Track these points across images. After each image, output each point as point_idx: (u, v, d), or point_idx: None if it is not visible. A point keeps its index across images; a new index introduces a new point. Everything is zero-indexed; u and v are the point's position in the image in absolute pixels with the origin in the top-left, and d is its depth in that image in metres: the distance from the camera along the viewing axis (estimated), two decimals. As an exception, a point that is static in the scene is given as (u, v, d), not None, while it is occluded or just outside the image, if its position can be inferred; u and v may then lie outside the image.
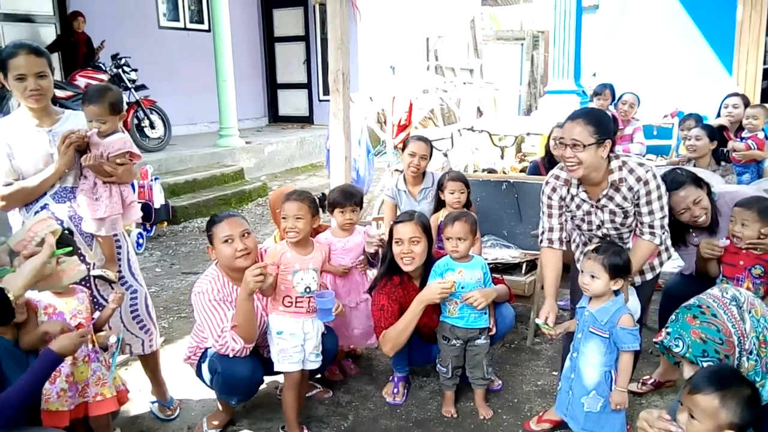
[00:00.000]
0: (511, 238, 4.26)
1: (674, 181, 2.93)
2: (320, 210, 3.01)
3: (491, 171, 6.42)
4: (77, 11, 8.33)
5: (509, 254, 4.01)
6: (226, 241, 2.65)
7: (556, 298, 2.81)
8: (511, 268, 3.90)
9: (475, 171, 6.93)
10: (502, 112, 9.69)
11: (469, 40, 15.05)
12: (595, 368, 2.50)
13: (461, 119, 8.69)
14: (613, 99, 5.98)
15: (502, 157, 6.96)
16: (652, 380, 3.17)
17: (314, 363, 2.78)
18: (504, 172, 6.65)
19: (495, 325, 3.05)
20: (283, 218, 2.71)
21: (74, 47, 8.29)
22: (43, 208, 2.60)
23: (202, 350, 2.78)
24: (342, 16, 4.03)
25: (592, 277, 2.47)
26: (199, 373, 2.83)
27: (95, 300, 2.70)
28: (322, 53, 11.32)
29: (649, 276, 2.90)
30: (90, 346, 2.47)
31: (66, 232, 2.57)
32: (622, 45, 8.93)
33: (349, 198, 3.17)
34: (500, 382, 3.28)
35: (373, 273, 3.28)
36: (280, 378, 2.86)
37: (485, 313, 2.96)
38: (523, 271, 3.84)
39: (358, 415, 3.05)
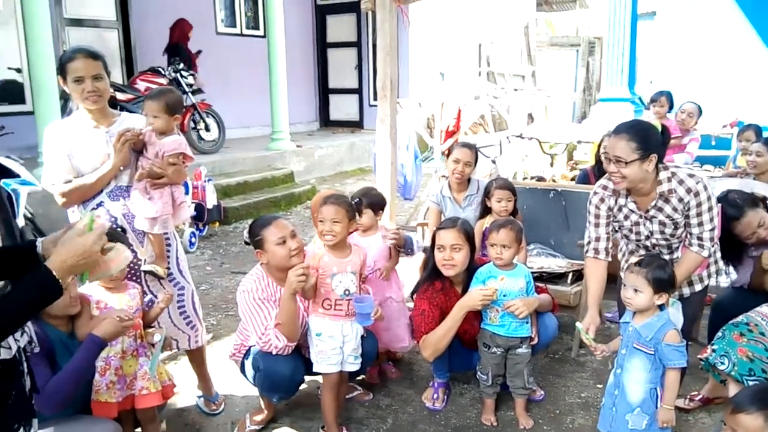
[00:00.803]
0: (558, 248, 4.20)
1: (733, 207, 2.87)
2: (356, 215, 3.06)
3: (540, 179, 6.33)
4: (183, 18, 8.75)
5: (555, 264, 3.96)
6: (281, 242, 2.71)
7: (599, 310, 2.76)
8: (556, 277, 3.85)
9: (524, 178, 6.86)
10: (554, 119, 9.55)
11: (522, 46, 14.91)
12: (640, 385, 2.43)
13: (511, 126, 8.61)
14: (671, 107, 5.81)
15: (551, 165, 6.86)
16: (701, 396, 3.07)
17: (353, 365, 2.81)
18: (553, 180, 6.55)
19: (537, 335, 3.02)
20: (321, 221, 2.75)
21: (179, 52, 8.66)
22: (99, 205, 2.72)
23: (247, 348, 2.84)
24: (391, 22, 4.07)
25: (636, 291, 2.41)
26: (242, 370, 2.90)
27: (145, 295, 2.81)
28: (373, 59, 11.41)
29: (698, 287, 2.82)
30: (138, 341, 2.57)
31: (119, 230, 2.70)
32: (681, 52, 8.67)
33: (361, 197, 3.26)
34: (542, 392, 3.24)
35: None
36: (321, 378, 2.90)
37: (527, 322, 2.94)
38: (569, 281, 3.78)
39: (398, 419, 3.06)
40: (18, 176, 4.49)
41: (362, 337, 2.84)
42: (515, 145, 6.84)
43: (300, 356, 2.82)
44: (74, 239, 1.33)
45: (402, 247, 3.31)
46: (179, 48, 8.63)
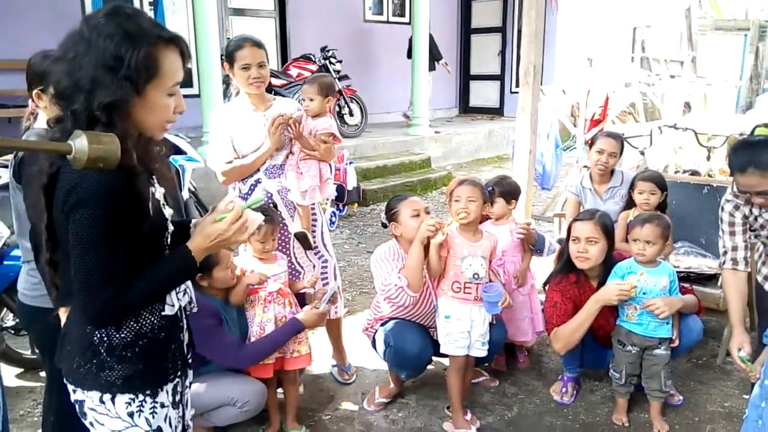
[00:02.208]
0: (708, 247, 3.91)
1: None
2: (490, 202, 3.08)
3: (694, 173, 5.88)
4: None
5: (705, 264, 3.70)
6: (416, 215, 2.79)
7: (744, 326, 2.56)
8: (705, 279, 3.60)
9: (676, 172, 6.41)
10: (714, 109, 8.77)
11: (683, 30, 13.83)
12: (791, 397, 2.24)
13: (664, 115, 8.05)
14: None
15: (708, 158, 6.33)
16: None
17: (480, 351, 2.83)
18: (709, 175, 6.07)
19: (679, 337, 2.86)
20: (456, 201, 2.79)
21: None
22: (257, 181, 2.98)
23: (379, 323, 2.98)
24: (537, 8, 3.99)
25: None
26: (374, 345, 3.03)
27: (292, 266, 3.04)
28: (517, 45, 11.18)
29: None
30: (288, 308, 2.79)
31: (272, 205, 2.93)
32: None
33: (494, 185, 3.24)
34: (681, 397, 3.08)
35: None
36: (447, 360, 2.96)
37: (668, 323, 2.80)
38: (718, 284, 3.52)
39: (523, 408, 3.06)
40: (185, 153, 4.99)
41: (491, 324, 2.86)
42: (668, 136, 6.40)
43: (429, 336, 2.90)
44: (207, 227, 1.50)
45: (533, 246, 3.27)
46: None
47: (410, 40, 8.98)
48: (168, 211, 1.57)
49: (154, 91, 1.39)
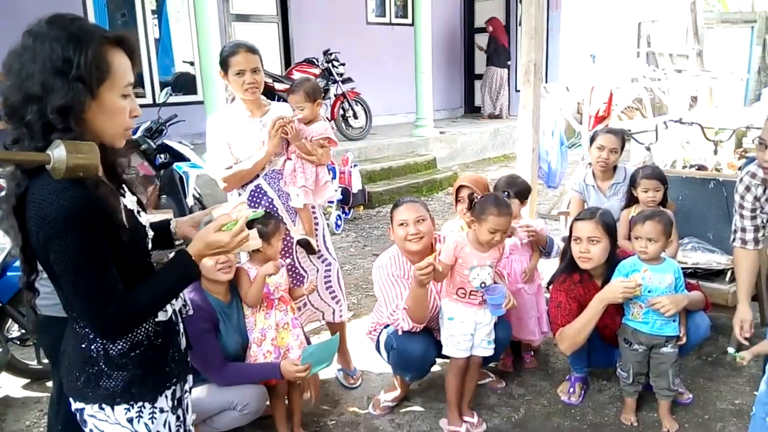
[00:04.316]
0: (716, 243, 3.86)
1: None
2: None
3: (701, 167, 5.82)
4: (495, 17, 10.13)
5: (713, 260, 3.65)
6: (402, 224, 2.78)
7: (750, 303, 2.56)
8: (714, 274, 3.56)
9: (683, 167, 6.35)
10: (721, 102, 8.68)
11: (688, 24, 13.72)
12: (798, 395, 2.21)
13: (671, 110, 7.98)
14: None
15: (715, 152, 6.27)
16: None
17: (486, 350, 2.81)
18: (717, 170, 6.01)
19: (686, 335, 2.83)
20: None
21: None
22: (257, 187, 2.97)
23: (382, 326, 2.96)
24: (538, 5, 3.98)
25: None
26: (377, 348, 3.02)
27: (296, 270, 3.03)
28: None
29: None
30: (290, 314, 2.78)
31: (275, 210, 2.93)
32: None
33: (507, 186, 3.22)
34: (690, 395, 3.04)
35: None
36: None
37: (674, 321, 2.76)
38: (727, 279, 3.47)
39: (530, 409, 3.03)
40: (188, 160, 5.00)
41: (495, 323, 2.83)
42: (674, 130, 6.35)
43: (432, 337, 2.88)
44: (210, 235, 1.50)
45: (543, 248, 3.25)
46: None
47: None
48: (144, 218, 1.57)
49: (108, 92, 1.37)
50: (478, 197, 2.71)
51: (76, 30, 1.33)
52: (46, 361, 2.97)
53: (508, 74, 11.12)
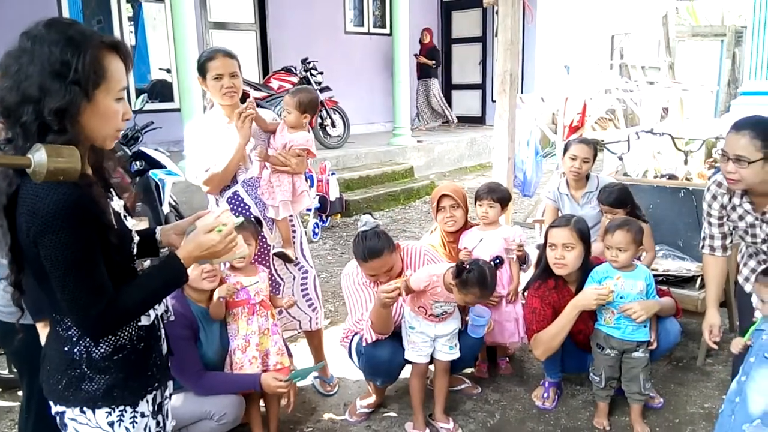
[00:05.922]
0: (686, 250, 3.95)
1: None
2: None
3: (672, 177, 5.95)
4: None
5: (683, 267, 3.74)
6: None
7: (718, 308, 2.64)
8: (684, 281, 3.64)
9: (655, 176, 6.48)
10: (692, 113, 8.89)
11: (660, 37, 14.04)
12: (764, 396, 2.26)
13: (642, 121, 8.15)
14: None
15: (686, 162, 6.41)
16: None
17: (448, 354, 2.85)
18: (687, 179, 6.14)
19: (657, 340, 2.89)
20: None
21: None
22: (234, 194, 2.96)
23: (354, 333, 2.97)
24: (513, 17, 4.04)
25: (764, 302, 2.25)
26: (350, 355, 3.03)
27: (272, 279, 3.03)
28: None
29: None
30: (271, 320, 2.78)
31: (252, 218, 2.92)
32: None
33: (489, 192, 3.27)
34: (661, 399, 3.10)
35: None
36: (432, 367, 2.96)
37: (645, 326, 2.82)
38: (697, 286, 3.56)
39: (505, 415, 3.06)
40: (164, 167, 4.97)
41: (460, 331, 2.87)
42: (646, 141, 6.48)
43: (399, 342, 2.90)
44: (201, 236, 1.51)
45: (523, 263, 3.32)
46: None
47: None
48: (130, 222, 1.57)
49: (104, 95, 1.38)
50: (468, 265, 2.59)
51: (74, 34, 1.34)
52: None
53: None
